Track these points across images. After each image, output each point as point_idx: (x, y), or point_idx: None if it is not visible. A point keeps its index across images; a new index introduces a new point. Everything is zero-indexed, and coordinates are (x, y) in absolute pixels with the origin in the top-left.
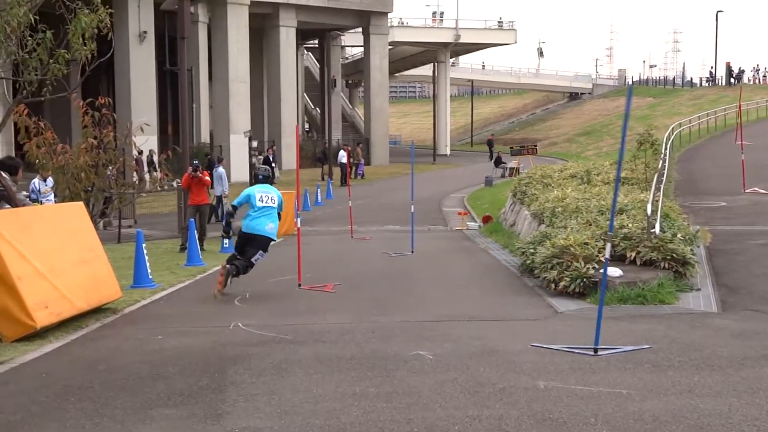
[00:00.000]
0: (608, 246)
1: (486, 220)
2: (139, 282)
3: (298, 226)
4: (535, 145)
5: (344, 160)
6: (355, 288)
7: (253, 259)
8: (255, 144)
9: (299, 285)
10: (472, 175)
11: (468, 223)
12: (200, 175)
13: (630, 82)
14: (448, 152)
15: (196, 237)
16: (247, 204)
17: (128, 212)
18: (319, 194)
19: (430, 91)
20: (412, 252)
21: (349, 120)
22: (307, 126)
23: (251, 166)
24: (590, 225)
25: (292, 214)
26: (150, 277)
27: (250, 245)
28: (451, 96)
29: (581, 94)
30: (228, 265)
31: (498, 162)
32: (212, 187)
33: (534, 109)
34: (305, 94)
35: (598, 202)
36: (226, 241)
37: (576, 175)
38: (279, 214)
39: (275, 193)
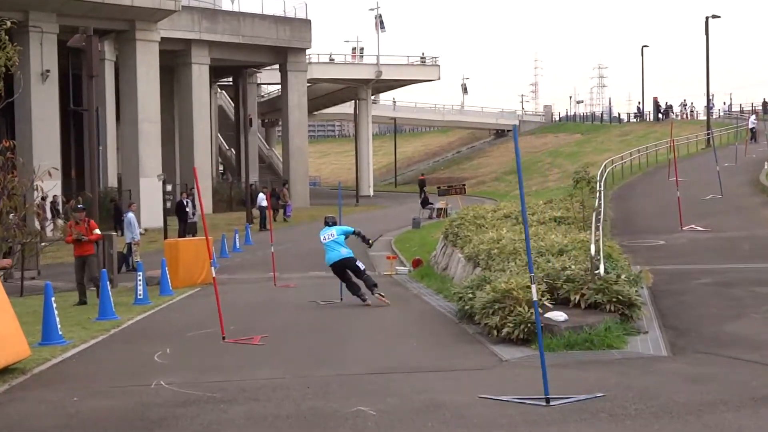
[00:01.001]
0: (533, 288)
1: (416, 263)
2: (48, 339)
3: (214, 275)
4: (464, 185)
5: (264, 203)
6: (285, 340)
7: (359, 264)
8: (170, 188)
9: (223, 338)
10: (398, 217)
11: (397, 267)
12: (83, 223)
13: (557, 119)
14: (372, 193)
15: (104, 287)
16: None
17: (31, 263)
18: (237, 240)
19: (350, 130)
20: (341, 300)
21: (266, 161)
22: (221, 168)
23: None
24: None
25: (208, 262)
26: (60, 332)
27: (346, 268)
28: (373, 134)
29: (507, 131)
30: (360, 293)
31: (425, 203)
32: (122, 234)
33: (460, 146)
34: (219, 135)
35: (536, 243)
36: (140, 291)
37: (510, 215)
38: (346, 236)
39: (334, 229)
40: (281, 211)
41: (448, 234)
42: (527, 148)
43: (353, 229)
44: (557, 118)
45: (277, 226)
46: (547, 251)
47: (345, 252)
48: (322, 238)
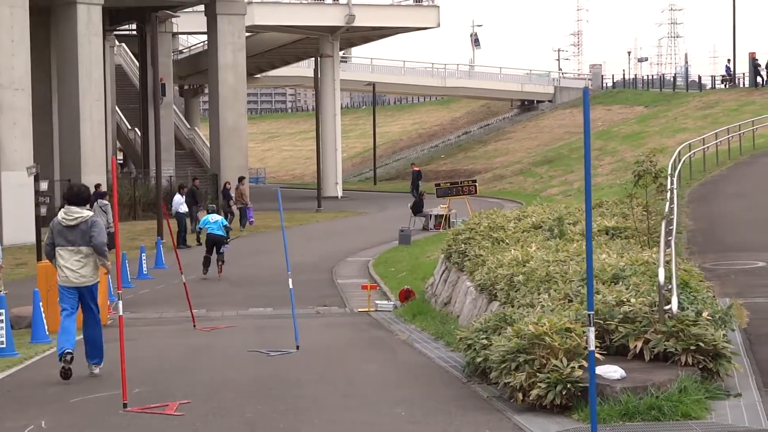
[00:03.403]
0: (590, 333)
1: (405, 296)
2: None
3: (120, 312)
4: (474, 181)
5: (183, 208)
6: (214, 408)
7: (226, 247)
8: (44, 186)
9: (124, 405)
10: (378, 228)
11: (378, 301)
12: None
13: (610, 84)
14: (340, 193)
15: None
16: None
17: None
18: (144, 262)
19: (309, 101)
20: (297, 348)
21: (186, 146)
22: (120, 157)
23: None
24: (571, 301)
25: (104, 296)
26: None
27: (215, 244)
28: (343, 107)
29: (538, 102)
30: (207, 268)
31: (418, 207)
32: None
33: (468, 125)
34: (117, 108)
35: (579, 266)
36: (1, 337)
37: (541, 225)
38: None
39: (217, 216)
40: (240, 214)
41: (451, 253)
42: (567, 126)
43: (228, 224)
44: (609, 84)
45: (233, 234)
46: (596, 278)
47: (220, 232)
48: (210, 218)
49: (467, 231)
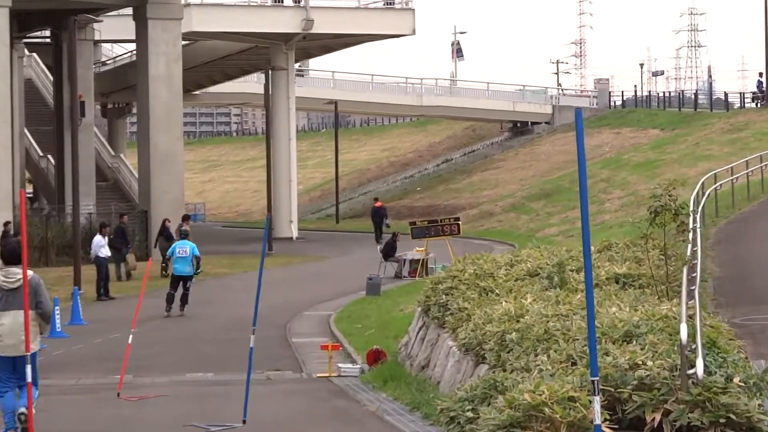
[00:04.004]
0: (596, 403)
1: (374, 358)
2: None
3: (28, 378)
4: (457, 219)
5: (104, 251)
6: None
7: (191, 284)
8: None
9: None
10: (342, 275)
11: (341, 365)
12: None
13: (619, 103)
14: (296, 234)
15: None
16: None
17: None
18: (57, 316)
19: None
20: (244, 423)
21: (109, 176)
22: (30, 189)
23: None
24: (575, 364)
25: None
26: None
27: (182, 281)
28: (299, 130)
29: (533, 124)
30: (170, 305)
31: (390, 251)
32: None
33: (449, 152)
34: (27, 130)
35: (585, 321)
36: None
37: (539, 271)
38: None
39: (188, 246)
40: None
41: (429, 306)
42: (568, 153)
43: (199, 255)
44: (618, 102)
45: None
46: (605, 336)
47: (189, 270)
48: (177, 251)
49: (449, 279)
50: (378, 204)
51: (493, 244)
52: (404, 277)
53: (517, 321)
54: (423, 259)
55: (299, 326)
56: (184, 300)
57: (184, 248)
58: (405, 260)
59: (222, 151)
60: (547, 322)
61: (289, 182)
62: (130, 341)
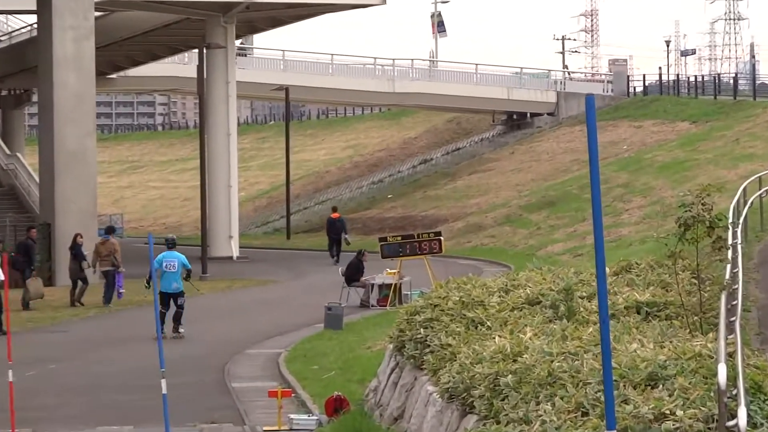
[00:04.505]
0: None
1: (335, 407)
2: None
3: None
4: (438, 234)
5: None
6: None
7: (182, 299)
8: None
9: None
10: (294, 304)
11: (294, 416)
12: None
13: (640, 89)
14: (236, 252)
15: None
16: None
17: None
18: None
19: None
20: None
21: (3, 181)
22: None
23: None
24: (586, 414)
25: None
26: None
27: (172, 298)
28: (241, 123)
29: (533, 115)
30: (163, 325)
31: (354, 274)
32: None
33: (428, 150)
34: None
35: (598, 361)
36: None
37: (540, 299)
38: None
39: (176, 260)
40: (108, 281)
41: (404, 342)
42: (573, 153)
43: (190, 267)
44: (639, 88)
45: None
46: (623, 379)
47: (176, 287)
48: (164, 265)
49: (428, 309)
50: (335, 215)
51: (484, 264)
52: (372, 306)
53: (514, 361)
54: (396, 284)
55: (241, 368)
56: (178, 319)
57: (171, 261)
58: (373, 285)
59: (144, 149)
60: (552, 362)
61: (228, 188)
62: (11, 379)
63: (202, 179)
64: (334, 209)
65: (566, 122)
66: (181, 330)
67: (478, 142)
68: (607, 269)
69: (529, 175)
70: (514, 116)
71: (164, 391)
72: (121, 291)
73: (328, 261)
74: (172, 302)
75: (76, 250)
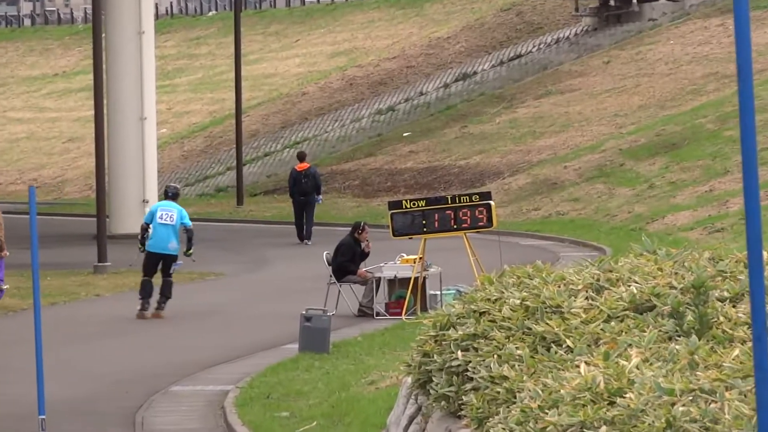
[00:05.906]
0: None
1: None
2: None
3: None
4: (486, 197)
5: None
6: None
7: (175, 265)
8: None
9: None
10: (252, 310)
11: None
12: None
13: None
14: None
15: None
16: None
17: None
18: None
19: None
20: None
21: None
22: None
23: None
24: None
25: None
26: None
27: (161, 262)
28: (160, 15)
29: (639, 1)
30: (146, 300)
31: (348, 260)
32: None
33: (469, 57)
34: None
35: (749, 401)
36: None
37: (653, 302)
38: (184, 226)
39: (175, 210)
40: None
41: (431, 373)
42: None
43: (191, 225)
44: None
45: None
46: None
47: (173, 247)
48: (158, 216)
49: (471, 319)
50: (302, 166)
51: (561, 246)
52: (378, 314)
53: (611, 403)
54: (416, 279)
55: (163, 414)
56: (165, 292)
57: (169, 212)
58: (380, 280)
59: (1, 56)
60: (672, 404)
61: (140, 121)
62: None
63: (97, 107)
64: (301, 156)
65: (697, 12)
66: (163, 309)
67: (552, 44)
68: (766, 254)
69: (635, 99)
70: (612, 1)
71: None
72: (3, 287)
73: (297, 241)
74: (160, 271)
75: None
